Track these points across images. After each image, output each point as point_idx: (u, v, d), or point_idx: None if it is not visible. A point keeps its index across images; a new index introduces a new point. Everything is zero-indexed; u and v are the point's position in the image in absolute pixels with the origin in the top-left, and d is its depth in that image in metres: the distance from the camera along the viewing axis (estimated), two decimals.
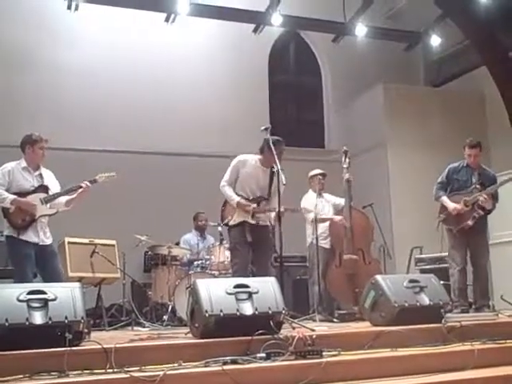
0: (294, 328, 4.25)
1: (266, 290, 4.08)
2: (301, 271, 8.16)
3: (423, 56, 12.17)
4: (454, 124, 10.18)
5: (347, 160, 6.61)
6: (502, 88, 9.84)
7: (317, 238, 6.37)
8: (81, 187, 5.30)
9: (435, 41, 10.66)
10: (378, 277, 4.81)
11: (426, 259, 8.27)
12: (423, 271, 7.79)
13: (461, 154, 6.45)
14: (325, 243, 6.64)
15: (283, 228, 5.12)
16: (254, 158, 5.64)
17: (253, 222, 5.49)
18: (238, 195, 5.60)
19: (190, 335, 4.14)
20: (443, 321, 4.45)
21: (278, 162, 5.15)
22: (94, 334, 4.07)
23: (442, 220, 6.34)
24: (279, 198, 5.17)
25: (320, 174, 6.87)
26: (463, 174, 6.35)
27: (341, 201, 6.73)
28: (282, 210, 5.18)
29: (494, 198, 6.24)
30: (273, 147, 5.28)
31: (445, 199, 6.31)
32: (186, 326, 4.62)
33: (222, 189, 5.62)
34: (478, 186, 6.20)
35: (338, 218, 6.52)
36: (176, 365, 3.43)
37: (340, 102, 11.46)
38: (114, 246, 7.10)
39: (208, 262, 7.14)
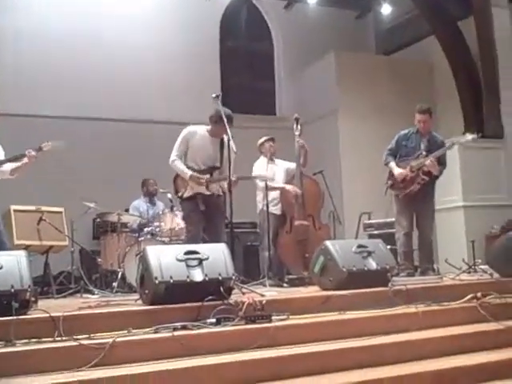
0: (243, 293, 4.25)
1: (217, 256, 4.07)
2: (251, 237, 8.22)
3: (374, 24, 12.21)
4: (403, 92, 10.25)
5: (299, 127, 6.60)
6: (450, 57, 9.97)
7: (267, 204, 6.30)
8: (25, 156, 5.16)
9: (386, 9, 10.71)
10: (328, 242, 4.85)
11: (374, 224, 8.37)
12: (371, 236, 7.92)
13: (410, 122, 6.49)
14: (275, 209, 6.57)
15: (234, 194, 5.13)
16: (202, 129, 5.64)
17: (208, 192, 5.53)
18: (189, 167, 5.60)
19: (139, 302, 4.10)
20: (390, 284, 4.51)
21: (228, 132, 5.18)
22: (42, 303, 3.97)
23: (390, 186, 6.39)
24: (230, 167, 5.18)
25: (269, 140, 6.83)
26: (412, 140, 6.36)
27: (293, 165, 6.68)
28: (233, 179, 5.20)
29: (441, 163, 6.26)
30: (225, 120, 5.28)
31: (392, 165, 6.34)
32: (136, 292, 4.56)
33: (173, 164, 5.59)
34: (424, 152, 6.20)
35: (289, 187, 6.48)
36: (126, 332, 3.41)
37: (292, 70, 11.41)
38: (61, 213, 6.95)
39: (158, 229, 7.06)
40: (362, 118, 10.29)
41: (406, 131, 6.42)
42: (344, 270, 4.56)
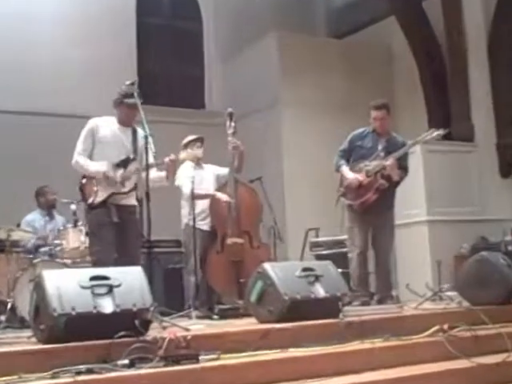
0: (164, 328, 4.26)
1: (131, 282, 4.05)
2: (174, 259, 8.09)
3: (324, 2, 12.41)
4: (358, 82, 10.51)
5: (232, 124, 6.57)
6: (413, 43, 10.12)
7: (194, 218, 6.33)
8: None
9: None
10: (267, 264, 4.86)
11: (322, 243, 8.38)
12: (319, 257, 7.93)
13: (366, 117, 6.59)
14: (204, 224, 6.62)
15: (153, 206, 5.09)
16: (109, 119, 5.68)
17: (125, 189, 5.50)
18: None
19: (33, 340, 4.02)
20: (341, 315, 4.55)
21: (141, 113, 5.23)
22: None
23: (342, 194, 6.46)
24: (148, 175, 5.20)
25: (197, 140, 6.83)
26: (368, 140, 6.46)
27: (225, 171, 6.73)
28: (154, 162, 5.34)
29: (402, 167, 6.36)
30: (128, 101, 5.41)
31: (344, 169, 6.43)
32: (29, 328, 4.41)
33: (77, 164, 5.57)
34: (381, 154, 6.33)
35: (220, 195, 6.51)
36: (15, 377, 3.32)
37: (225, 54, 11.43)
38: None
39: (58, 248, 7.00)
40: (310, 113, 10.35)
41: (360, 130, 6.52)
42: (286, 298, 4.56)
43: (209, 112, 11.21)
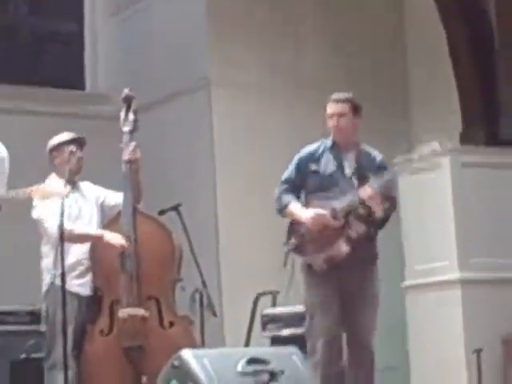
0: None
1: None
2: (28, 344, 6.71)
3: None
4: (343, 48, 8.35)
5: (131, 116, 5.72)
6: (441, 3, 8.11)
7: (63, 275, 5.26)
8: None
9: None
10: (188, 353, 4.28)
11: (282, 316, 6.86)
12: (277, 341, 6.72)
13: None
14: (80, 285, 5.67)
15: None
16: None
17: None
18: None
19: None
20: None
21: None
22: None
23: (293, 248, 5.49)
24: None
25: (72, 142, 5.80)
26: (327, 161, 5.54)
27: (116, 198, 5.83)
28: None
29: (387, 197, 5.39)
30: None
31: (293, 207, 5.50)
32: None
33: None
34: (355, 181, 5.39)
35: (110, 236, 5.56)
36: None
37: (119, 3, 9.22)
38: None
39: None
40: (260, 96, 8.16)
41: (314, 146, 5.66)
42: None
43: (91, 95, 9.26)
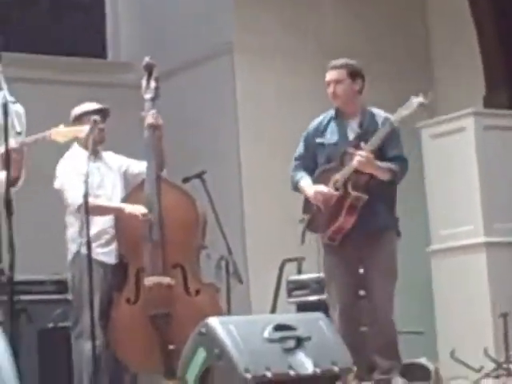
0: None
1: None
2: (55, 312, 6.70)
3: None
4: (362, 17, 8.33)
5: (152, 84, 5.69)
6: None
7: (89, 243, 5.22)
8: None
9: None
10: (214, 321, 4.22)
11: (308, 283, 6.75)
12: (303, 307, 6.57)
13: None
14: (106, 254, 5.64)
15: (17, 223, 4.13)
16: None
17: None
18: None
19: None
20: None
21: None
22: None
23: (307, 224, 5.52)
24: (10, 162, 4.21)
25: (95, 112, 5.65)
26: (331, 132, 5.47)
27: (140, 166, 5.77)
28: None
29: (393, 158, 5.26)
30: None
31: (303, 184, 5.49)
32: None
33: None
34: (349, 151, 5.22)
35: (132, 208, 5.50)
36: None
37: None
38: None
39: None
40: (284, 61, 8.16)
41: (319, 119, 5.61)
42: (249, 376, 4.03)
43: (113, 64, 9.25)
